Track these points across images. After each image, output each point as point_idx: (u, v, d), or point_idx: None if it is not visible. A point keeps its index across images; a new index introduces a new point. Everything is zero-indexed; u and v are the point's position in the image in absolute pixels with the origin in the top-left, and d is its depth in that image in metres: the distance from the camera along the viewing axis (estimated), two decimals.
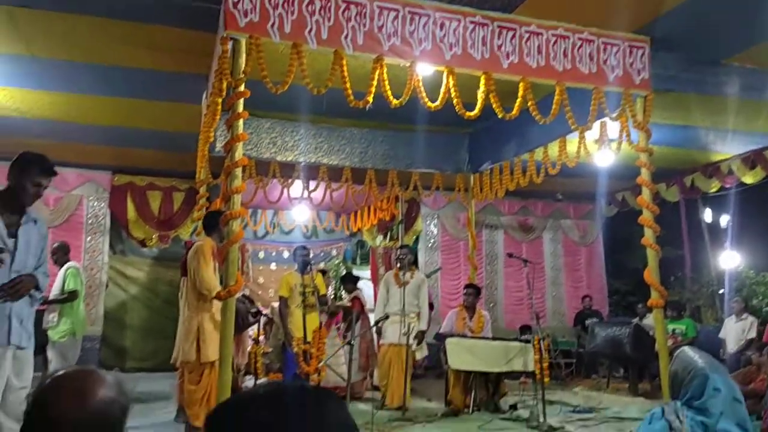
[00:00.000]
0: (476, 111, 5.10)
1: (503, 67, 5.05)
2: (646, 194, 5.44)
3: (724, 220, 11.47)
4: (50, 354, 6.40)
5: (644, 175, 5.45)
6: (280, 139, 7.68)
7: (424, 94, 4.93)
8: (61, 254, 6.75)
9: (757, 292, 10.21)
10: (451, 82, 4.92)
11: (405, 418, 6.38)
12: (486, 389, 6.92)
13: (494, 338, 7.31)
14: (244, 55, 4.42)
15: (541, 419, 5.93)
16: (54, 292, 6.50)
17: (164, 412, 6.29)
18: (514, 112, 5.23)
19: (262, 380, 6.46)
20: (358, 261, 12.06)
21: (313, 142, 7.86)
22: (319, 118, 7.57)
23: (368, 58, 4.77)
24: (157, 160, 9.24)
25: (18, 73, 6.23)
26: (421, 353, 7.56)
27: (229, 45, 4.41)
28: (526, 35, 5.11)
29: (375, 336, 7.43)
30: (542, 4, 5.19)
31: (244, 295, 6.89)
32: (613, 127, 5.85)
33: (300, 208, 10.29)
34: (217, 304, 5.06)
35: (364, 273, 11.04)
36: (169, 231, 9.90)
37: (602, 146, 6.33)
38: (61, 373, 1.37)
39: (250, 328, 6.76)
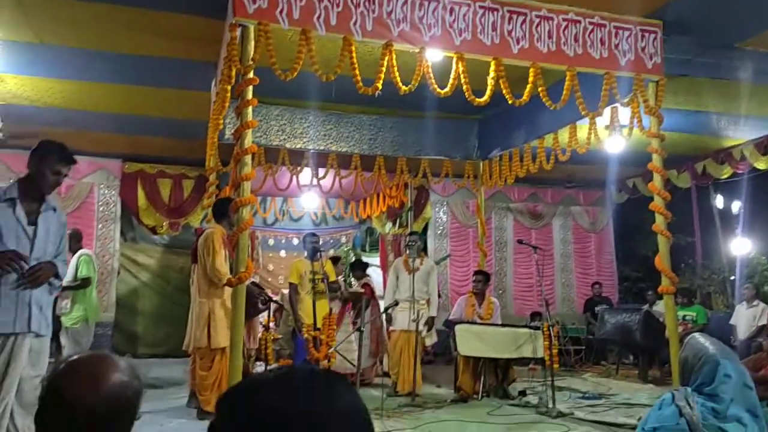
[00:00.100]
0: (486, 97, 5.07)
1: (513, 53, 5.01)
2: (657, 180, 5.40)
3: (736, 206, 11.36)
4: (63, 340, 6.47)
5: (655, 161, 5.41)
6: (289, 126, 7.68)
7: (433, 81, 4.91)
8: (74, 241, 6.79)
9: None
10: (461, 68, 4.89)
11: (414, 404, 6.42)
12: (495, 375, 6.94)
13: (503, 325, 7.32)
14: (252, 42, 4.41)
15: (550, 405, 5.94)
16: (67, 278, 6.54)
17: (176, 397, 6.36)
18: (524, 98, 5.20)
19: (272, 366, 6.51)
20: (367, 248, 12.07)
21: (322, 129, 7.85)
22: (328, 105, 7.56)
23: (377, 44, 4.75)
24: (167, 148, 9.28)
25: (28, 61, 6.26)
26: (431, 339, 7.58)
27: (238, 32, 4.40)
28: (537, 20, 5.06)
29: (384, 322, 7.45)
30: None
31: (254, 282, 6.91)
32: (624, 113, 5.80)
33: (309, 195, 10.31)
34: (227, 291, 5.11)
35: (373, 260, 11.06)
36: (180, 218, 9.95)
37: (613, 132, 6.29)
38: (75, 357, 1.39)
39: (260, 315, 6.79)
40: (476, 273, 7.68)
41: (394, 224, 10.69)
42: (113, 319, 9.46)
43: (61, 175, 3.23)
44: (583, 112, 5.45)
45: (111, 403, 1.32)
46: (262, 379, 0.86)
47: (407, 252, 7.25)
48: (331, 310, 7.04)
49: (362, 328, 5.97)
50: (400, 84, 4.83)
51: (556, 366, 6.34)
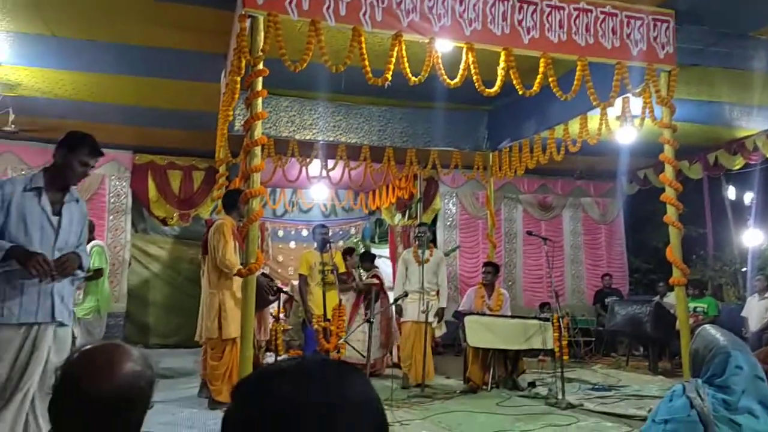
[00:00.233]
0: (496, 88, 5.05)
1: (524, 43, 4.97)
2: (669, 171, 5.36)
3: (748, 197, 11.26)
4: (75, 331, 6.52)
5: (667, 152, 5.37)
6: (298, 118, 7.68)
7: (443, 71, 4.88)
8: (87, 232, 6.85)
9: None
10: (471, 59, 4.87)
11: (424, 394, 6.44)
12: (504, 367, 6.95)
13: (513, 316, 7.32)
14: (262, 33, 4.40)
15: (560, 396, 5.95)
16: None
17: (187, 387, 6.42)
18: (534, 88, 5.17)
19: (282, 357, 6.55)
20: (376, 239, 12.09)
21: (332, 120, 7.84)
22: (338, 96, 7.54)
23: (387, 34, 4.73)
24: (177, 140, 9.31)
25: (39, 53, 6.28)
26: (440, 331, 7.59)
27: (248, 23, 4.40)
28: (548, 9, 5.02)
29: (394, 314, 7.47)
30: None
31: (263, 273, 6.95)
32: (636, 103, 5.76)
33: (318, 186, 10.32)
34: (237, 282, 5.13)
35: (382, 251, 11.07)
36: (190, 210, 10.00)
37: (624, 123, 6.24)
38: (88, 347, 1.41)
39: (270, 306, 6.83)
40: (486, 264, 7.67)
41: (403, 215, 10.69)
42: (125, 310, 9.54)
43: (89, 166, 3.24)
44: (594, 103, 5.42)
45: (124, 392, 1.33)
46: (275, 369, 0.86)
47: (416, 243, 7.26)
48: (340, 301, 7.07)
49: (372, 319, 5.99)
50: (410, 75, 4.81)
51: (565, 357, 6.34)
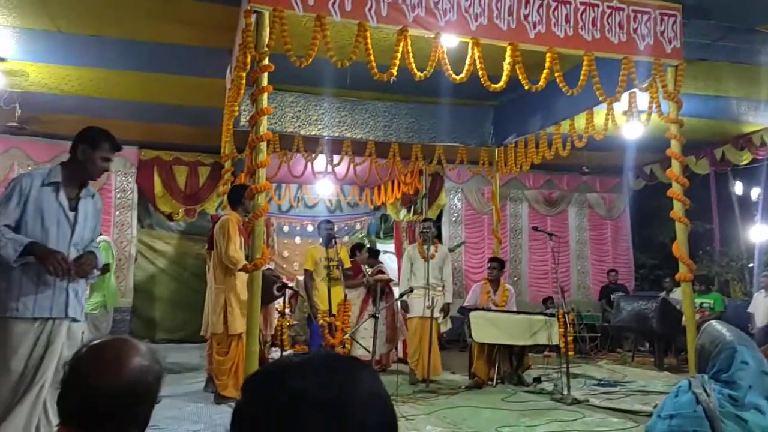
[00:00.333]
0: (502, 83, 5.04)
1: (530, 38, 4.95)
2: (675, 167, 5.34)
3: (755, 192, 11.21)
4: (83, 325, 6.57)
5: (674, 147, 5.34)
6: (303, 113, 7.68)
7: (448, 67, 4.87)
8: (100, 228, 6.87)
9: None
10: (477, 54, 4.85)
11: (429, 390, 6.45)
12: (510, 362, 6.95)
13: (518, 312, 7.32)
14: (267, 29, 4.40)
15: (565, 392, 5.94)
16: None
17: (193, 381, 6.45)
18: (540, 83, 5.15)
19: (288, 352, 6.57)
20: (381, 235, 12.09)
21: (337, 115, 7.84)
22: (343, 92, 7.54)
23: (392, 30, 4.72)
24: (183, 135, 9.32)
25: (46, 49, 6.30)
26: (445, 326, 7.60)
27: (253, 18, 4.40)
28: (554, 4, 5.00)
29: (400, 309, 7.47)
30: None
31: (269, 269, 6.97)
32: (643, 98, 5.73)
33: (324, 182, 10.32)
34: (243, 277, 5.14)
35: (388, 247, 11.08)
36: (195, 205, 10.03)
37: (631, 118, 6.21)
38: (96, 342, 1.41)
39: (276, 301, 6.85)
40: (491, 260, 7.67)
41: (408, 211, 10.69)
42: (131, 305, 9.59)
43: (110, 161, 3.27)
44: (600, 98, 5.39)
45: (132, 386, 1.34)
46: (285, 364, 0.86)
47: (421, 239, 7.25)
48: (345, 296, 7.08)
49: (377, 315, 5.99)
50: (415, 70, 4.80)
51: (571, 353, 6.33)
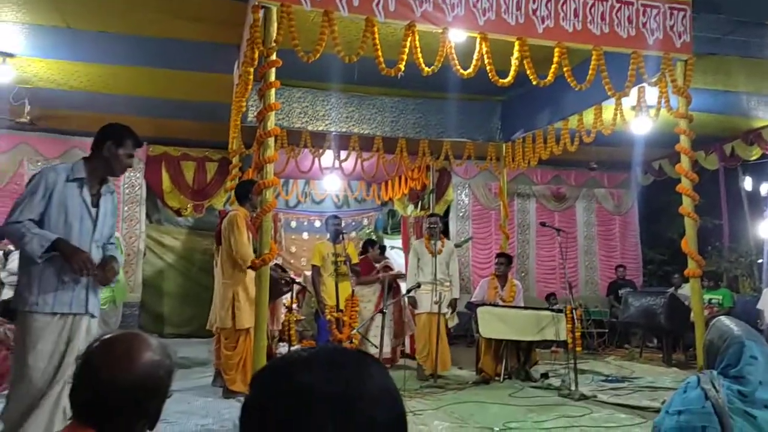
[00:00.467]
0: (509, 78, 5.02)
1: (538, 32, 4.93)
2: (685, 162, 5.31)
3: (765, 188, 11.12)
4: None
5: (683, 142, 5.31)
6: (311, 109, 7.69)
7: (456, 62, 4.86)
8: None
9: None
10: (485, 49, 4.84)
11: (436, 385, 6.46)
12: (517, 358, 6.94)
13: (526, 307, 7.31)
14: (275, 24, 4.40)
15: (573, 388, 5.94)
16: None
17: (202, 376, 6.48)
18: (548, 78, 5.13)
19: (295, 347, 6.59)
20: (389, 230, 12.10)
21: (344, 111, 7.84)
22: (350, 87, 7.53)
23: (400, 25, 4.71)
24: (191, 131, 9.35)
25: (54, 45, 6.33)
26: (452, 321, 7.59)
27: (261, 13, 4.40)
28: None
29: (407, 304, 7.48)
30: None
31: (276, 264, 6.99)
32: (652, 93, 5.70)
33: (331, 177, 10.33)
34: (251, 273, 5.16)
35: (395, 242, 11.08)
36: (203, 201, 10.06)
37: (640, 113, 6.18)
38: (108, 336, 1.42)
39: (283, 296, 6.87)
40: (499, 255, 7.66)
41: (415, 207, 10.69)
42: (140, 300, 9.64)
43: (133, 158, 3.32)
44: (609, 93, 5.37)
45: (143, 381, 1.35)
46: (294, 358, 0.87)
47: (428, 234, 7.24)
48: (353, 292, 7.09)
49: (385, 310, 6.00)
50: (423, 65, 4.79)
51: (578, 349, 6.31)
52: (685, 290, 8.20)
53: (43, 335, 3.00)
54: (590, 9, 5.03)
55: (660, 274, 11.46)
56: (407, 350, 7.73)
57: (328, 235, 7.49)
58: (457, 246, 8.63)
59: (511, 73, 4.98)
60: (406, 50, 4.69)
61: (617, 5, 5.09)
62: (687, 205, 5.23)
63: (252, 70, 4.73)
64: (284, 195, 11.08)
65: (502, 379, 6.71)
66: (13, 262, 7.28)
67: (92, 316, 3.21)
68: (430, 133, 8.21)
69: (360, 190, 11.48)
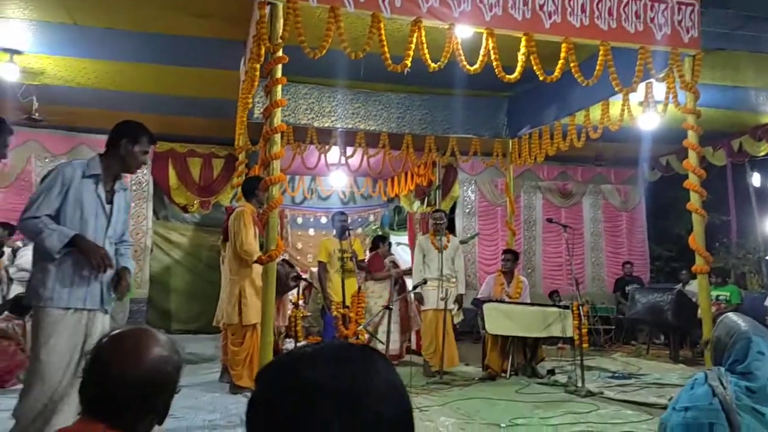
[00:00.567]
0: (516, 74, 5.00)
1: (545, 28, 4.92)
2: (692, 158, 5.28)
3: None
4: None
5: (691, 138, 5.29)
6: (317, 105, 7.69)
7: (462, 57, 4.85)
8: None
9: None
10: (491, 45, 4.83)
11: (442, 381, 6.46)
12: (523, 354, 6.93)
13: (532, 304, 7.30)
14: (281, 20, 4.41)
15: (579, 384, 5.93)
16: None
17: (209, 372, 6.51)
18: (555, 74, 5.11)
19: (302, 343, 6.60)
20: (395, 226, 12.09)
21: (350, 107, 7.84)
22: (357, 83, 7.53)
23: (406, 20, 4.71)
24: (197, 127, 9.37)
25: (62, 42, 6.35)
26: (458, 318, 7.59)
27: (267, 10, 4.40)
28: None
29: (413, 299, 7.47)
30: None
31: (283, 260, 7.00)
32: (659, 89, 5.66)
33: (337, 173, 10.33)
34: (258, 269, 5.17)
35: (401, 238, 11.08)
36: (210, 197, 10.09)
37: (647, 108, 6.14)
38: (117, 332, 1.43)
39: (290, 292, 6.89)
40: (505, 252, 7.65)
41: (422, 203, 10.68)
42: (147, 296, 9.68)
43: (147, 154, 3.36)
44: (616, 88, 5.35)
45: (152, 376, 1.36)
46: (300, 353, 0.87)
47: (433, 230, 7.23)
48: (359, 288, 7.09)
49: (391, 306, 6.00)
50: (429, 61, 4.78)
51: (585, 345, 6.30)
52: (693, 287, 8.17)
53: (57, 329, 3.00)
54: (597, 4, 5.00)
55: (667, 270, 11.42)
56: (413, 346, 7.73)
57: (335, 232, 7.49)
58: (462, 242, 8.62)
59: (518, 68, 4.97)
60: (413, 46, 4.68)
61: (625, 0, 5.06)
62: (694, 201, 5.21)
63: (258, 66, 4.73)
64: (290, 191, 11.09)
65: (508, 376, 6.70)
66: (22, 258, 7.33)
67: (106, 312, 3.24)
68: (436, 129, 8.20)
69: (366, 187, 11.48)
